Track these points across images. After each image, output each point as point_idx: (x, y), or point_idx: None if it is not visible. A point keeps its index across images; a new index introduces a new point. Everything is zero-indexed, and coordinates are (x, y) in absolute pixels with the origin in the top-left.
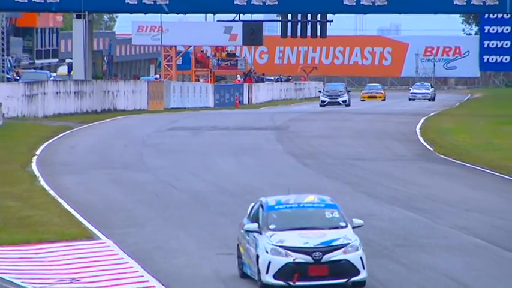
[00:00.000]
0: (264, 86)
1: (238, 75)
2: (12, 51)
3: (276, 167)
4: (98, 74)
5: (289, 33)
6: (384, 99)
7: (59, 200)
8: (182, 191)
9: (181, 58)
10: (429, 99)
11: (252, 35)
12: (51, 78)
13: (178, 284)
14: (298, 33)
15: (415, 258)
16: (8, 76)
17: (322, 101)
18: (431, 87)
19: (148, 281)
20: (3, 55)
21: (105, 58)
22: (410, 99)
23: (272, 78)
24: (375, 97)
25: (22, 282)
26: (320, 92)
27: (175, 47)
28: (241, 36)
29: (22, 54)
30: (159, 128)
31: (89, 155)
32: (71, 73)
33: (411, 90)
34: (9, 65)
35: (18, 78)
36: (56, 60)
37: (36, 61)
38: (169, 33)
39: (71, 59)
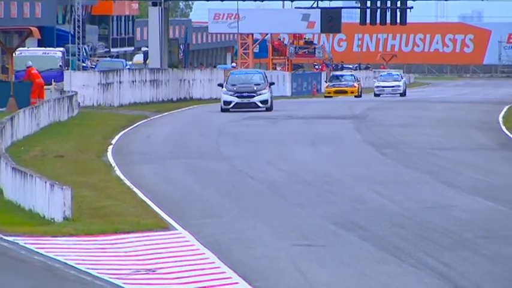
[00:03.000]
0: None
1: (315, 64)
2: (88, 39)
3: (354, 157)
4: (174, 63)
5: (368, 21)
6: (359, 95)
7: (135, 189)
8: (258, 180)
9: (258, 46)
10: (400, 94)
11: (330, 22)
12: (126, 67)
13: (255, 275)
14: (378, 20)
15: (498, 250)
16: (84, 65)
17: (225, 102)
18: (402, 78)
19: (225, 272)
20: (79, 43)
21: (181, 46)
22: (376, 95)
23: (351, 66)
24: (345, 92)
25: (97, 272)
26: (221, 86)
27: (252, 34)
28: (319, 24)
29: (98, 42)
30: (235, 117)
31: (164, 144)
32: (147, 61)
33: (376, 83)
34: (84, 54)
35: (93, 66)
36: (132, 48)
37: (112, 49)
38: (246, 21)
39: (147, 47)
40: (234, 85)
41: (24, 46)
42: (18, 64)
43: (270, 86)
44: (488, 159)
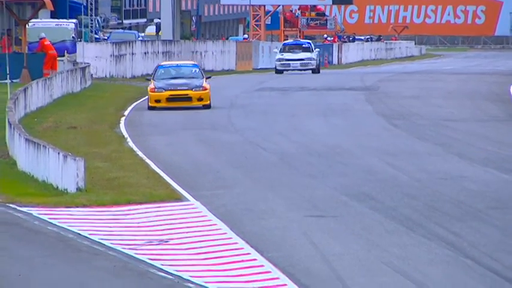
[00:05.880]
0: (354, 46)
1: (326, 35)
2: (101, 11)
3: (365, 128)
4: (186, 34)
5: None
6: (209, 105)
7: (147, 161)
8: (270, 152)
9: (270, 18)
10: (312, 70)
11: None
12: (139, 39)
13: (266, 246)
14: None
15: (509, 220)
16: (97, 36)
17: None
18: (314, 48)
19: (237, 242)
20: (91, 15)
21: (193, 18)
22: (277, 72)
23: (362, 38)
24: (188, 99)
25: (111, 243)
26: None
27: (264, 6)
28: None
29: (110, 14)
30: (247, 89)
31: (176, 115)
32: (159, 33)
33: (278, 55)
34: (97, 25)
35: (106, 38)
36: (144, 20)
37: (124, 21)
38: None
39: (159, 19)
40: None
41: (37, 18)
42: (31, 36)
43: None
44: (500, 130)
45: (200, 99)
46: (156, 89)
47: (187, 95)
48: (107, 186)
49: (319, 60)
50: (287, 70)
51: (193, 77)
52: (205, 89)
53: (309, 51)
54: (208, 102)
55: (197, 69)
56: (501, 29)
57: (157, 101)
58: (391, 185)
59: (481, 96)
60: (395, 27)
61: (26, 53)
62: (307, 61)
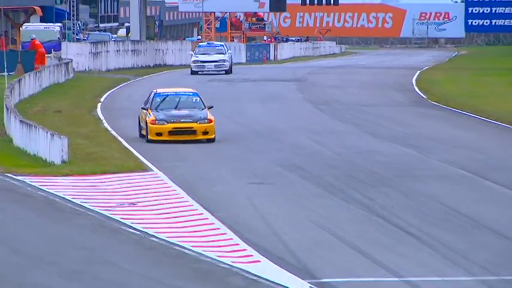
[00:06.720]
0: (287, 45)
1: (265, 37)
2: (81, 16)
3: (296, 112)
4: (151, 36)
5: (307, 1)
6: (212, 140)
7: (119, 138)
8: (218, 131)
9: (219, 22)
10: (226, 72)
11: (278, 3)
12: (112, 39)
13: (217, 207)
14: (315, 2)
15: (411, 186)
16: (78, 37)
17: None
18: (227, 50)
19: (192, 205)
20: (73, 20)
21: (156, 22)
22: (193, 73)
23: (294, 38)
24: (191, 132)
25: (90, 205)
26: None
27: (214, 13)
28: (268, 4)
29: (89, 19)
30: (200, 80)
31: (143, 102)
32: (129, 35)
33: (193, 57)
34: (78, 28)
35: (85, 38)
36: (117, 24)
37: (100, 25)
38: (209, 2)
39: (129, 23)
40: None
41: (29, 22)
42: (24, 36)
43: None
44: (404, 114)
45: (205, 132)
46: (157, 121)
47: (191, 128)
48: (86, 159)
49: (232, 61)
50: (202, 71)
51: (195, 108)
52: (211, 121)
53: (222, 54)
54: (213, 136)
55: (198, 98)
56: (405, 32)
57: (159, 134)
58: (316, 158)
59: (389, 86)
60: (320, 30)
61: (20, 51)
62: (221, 63)
